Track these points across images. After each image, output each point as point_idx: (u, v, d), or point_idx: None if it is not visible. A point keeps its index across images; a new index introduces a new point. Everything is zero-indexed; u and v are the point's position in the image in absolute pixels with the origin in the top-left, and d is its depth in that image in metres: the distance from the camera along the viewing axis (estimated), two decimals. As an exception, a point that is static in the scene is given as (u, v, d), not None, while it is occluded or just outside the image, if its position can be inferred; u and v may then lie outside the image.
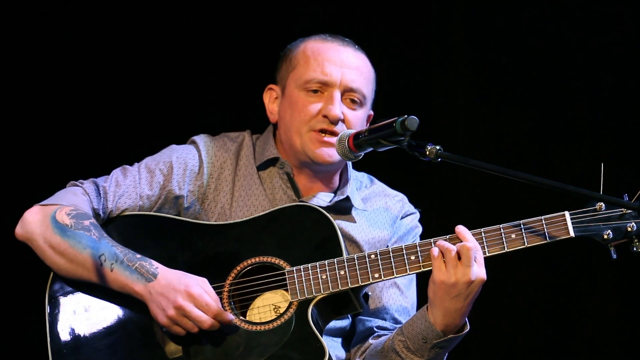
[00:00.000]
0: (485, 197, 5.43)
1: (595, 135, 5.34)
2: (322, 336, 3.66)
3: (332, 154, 3.88)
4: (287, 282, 3.70)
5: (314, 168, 3.96)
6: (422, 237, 4.08)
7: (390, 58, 5.42)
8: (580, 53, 5.36)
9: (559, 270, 5.37)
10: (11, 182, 5.24)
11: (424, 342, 3.70)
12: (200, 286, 3.65)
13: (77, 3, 5.31)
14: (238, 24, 5.48)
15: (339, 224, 3.82)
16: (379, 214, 4.03)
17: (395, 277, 3.71)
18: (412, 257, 3.68)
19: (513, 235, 3.64)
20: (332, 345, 3.87)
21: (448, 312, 3.65)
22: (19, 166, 5.28)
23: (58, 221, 3.72)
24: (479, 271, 3.60)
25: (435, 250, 3.62)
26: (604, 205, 3.60)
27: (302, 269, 3.70)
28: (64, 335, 3.71)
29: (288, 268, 3.71)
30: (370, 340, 3.91)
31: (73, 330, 3.72)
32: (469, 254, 3.59)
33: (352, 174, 4.06)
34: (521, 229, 3.65)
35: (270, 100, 4.04)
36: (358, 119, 3.94)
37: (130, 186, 3.87)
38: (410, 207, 4.11)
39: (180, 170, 3.92)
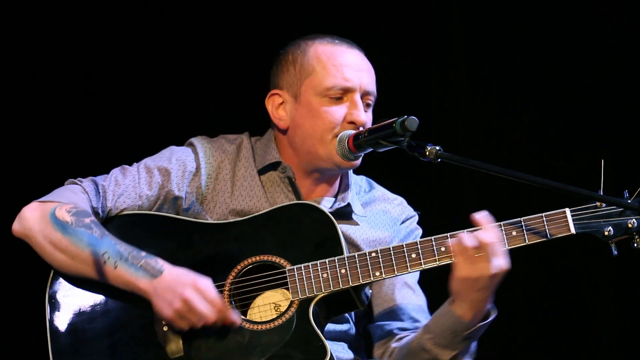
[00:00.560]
0: (485, 198, 5.43)
1: (596, 134, 5.34)
2: (323, 335, 3.65)
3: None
4: (288, 280, 3.70)
5: (326, 173, 3.96)
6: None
7: (390, 58, 5.42)
8: (581, 53, 5.37)
9: (559, 269, 5.37)
10: (10, 181, 5.24)
11: (454, 336, 3.69)
12: (207, 282, 3.64)
13: (78, 3, 5.32)
14: (238, 25, 5.49)
15: (340, 228, 3.80)
16: (379, 219, 4.03)
17: (397, 275, 3.70)
18: (413, 255, 3.67)
19: (514, 233, 3.64)
20: (336, 349, 3.88)
21: (474, 304, 3.64)
22: (18, 165, 5.29)
23: (58, 218, 3.71)
24: (501, 263, 3.59)
25: (455, 246, 3.61)
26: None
27: (302, 268, 3.70)
28: (65, 335, 3.71)
29: (289, 267, 3.71)
30: (393, 345, 3.91)
31: (74, 330, 3.71)
32: (489, 247, 3.58)
33: (352, 178, 4.07)
34: (522, 226, 3.65)
35: (275, 106, 4.00)
36: (371, 120, 3.96)
37: (130, 186, 3.87)
38: (409, 211, 4.11)
39: (179, 172, 3.92)
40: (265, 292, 3.74)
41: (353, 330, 3.98)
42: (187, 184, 3.92)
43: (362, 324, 4.03)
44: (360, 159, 3.91)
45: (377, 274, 3.68)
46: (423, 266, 3.67)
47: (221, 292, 3.71)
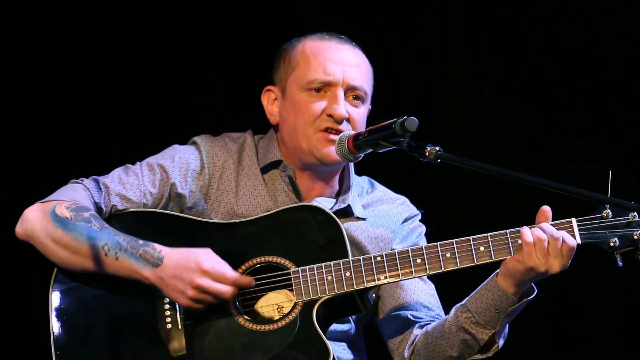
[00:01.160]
0: (485, 198, 5.44)
1: (597, 135, 5.35)
2: (326, 337, 3.67)
3: None
4: (292, 282, 3.71)
5: (317, 169, 3.97)
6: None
7: (390, 58, 5.43)
8: (582, 53, 5.37)
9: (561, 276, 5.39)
10: (12, 183, 5.23)
11: (497, 312, 3.71)
12: (209, 258, 3.66)
13: (79, 3, 5.30)
14: (238, 25, 5.48)
15: (345, 230, 3.80)
16: (382, 219, 4.04)
17: (401, 280, 3.71)
18: (418, 260, 3.69)
19: (519, 241, 3.65)
20: (336, 349, 3.89)
21: (522, 285, 3.68)
22: (20, 167, 5.27)
23: (58, 215, 3.71)
24: (563, 263, 3.61)
25: (528, 237, 3.61)
26: (610, 212, 3.61)
27: (307, 270, 3.71)
28: (68, 332, 3.71)
29: (293, 268, 3.72)
30: (416, 332, 3.92)
31: (77, 327, 3.72)
32: (556, 245, 3.60)
33: (354, 179, 4.07)
34: (528, 233, 3.66)
35: (269, 101, 4.03)
36: (361, 115, 3.95)
37: (134, 184, 3.87)
38: (412, 209, 4.12)
39: (182, 170, 3.92)
40: (269, 293, 3.75)
41: (353, 330, 3.98)
42: (190, 182, 3.92)
43: (365, 322, 4.03)
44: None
45: (382, 277, 3.68)
46: (428, 271, 3.68)
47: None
